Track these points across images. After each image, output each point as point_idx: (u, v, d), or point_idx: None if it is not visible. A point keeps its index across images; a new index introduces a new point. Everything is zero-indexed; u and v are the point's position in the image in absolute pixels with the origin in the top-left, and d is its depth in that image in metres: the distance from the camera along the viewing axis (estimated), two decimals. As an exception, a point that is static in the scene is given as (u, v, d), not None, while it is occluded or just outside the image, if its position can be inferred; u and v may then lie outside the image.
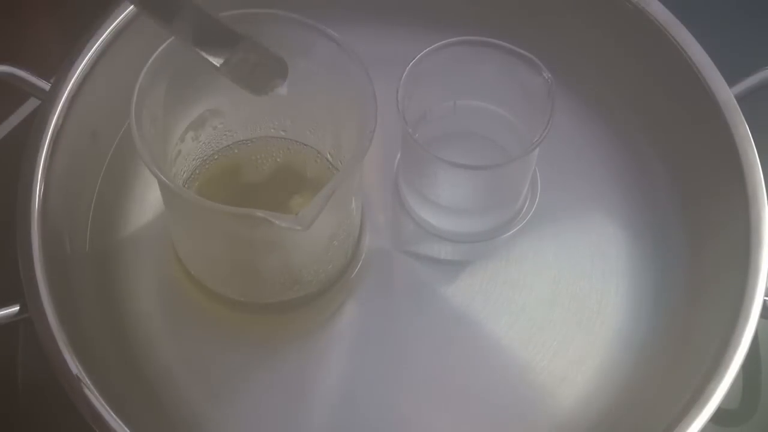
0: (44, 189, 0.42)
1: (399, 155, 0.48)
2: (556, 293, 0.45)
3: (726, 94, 0.45)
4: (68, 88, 0.44)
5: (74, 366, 0.38)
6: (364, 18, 0.51)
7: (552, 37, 0.49)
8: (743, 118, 0.44)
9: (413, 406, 0.43)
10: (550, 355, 0.44)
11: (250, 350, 0.44)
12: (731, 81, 0.45)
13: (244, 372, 0.43)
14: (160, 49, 0.38)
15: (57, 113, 0.43)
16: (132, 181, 0.48)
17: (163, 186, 0.38)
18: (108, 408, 0.37)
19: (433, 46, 0.43)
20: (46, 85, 0.44)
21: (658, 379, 0.43)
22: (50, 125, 0.43)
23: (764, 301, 0.40)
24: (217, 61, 0.37)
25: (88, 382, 0.38)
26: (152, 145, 0.37)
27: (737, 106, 0.44)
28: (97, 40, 0.45)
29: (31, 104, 0.52)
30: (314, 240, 0.41)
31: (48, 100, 0.44)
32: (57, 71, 0.44)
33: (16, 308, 0.40)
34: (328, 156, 0.45)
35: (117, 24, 0.45)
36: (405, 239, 0.47)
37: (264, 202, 0.41)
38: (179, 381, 0.43)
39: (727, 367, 0.39)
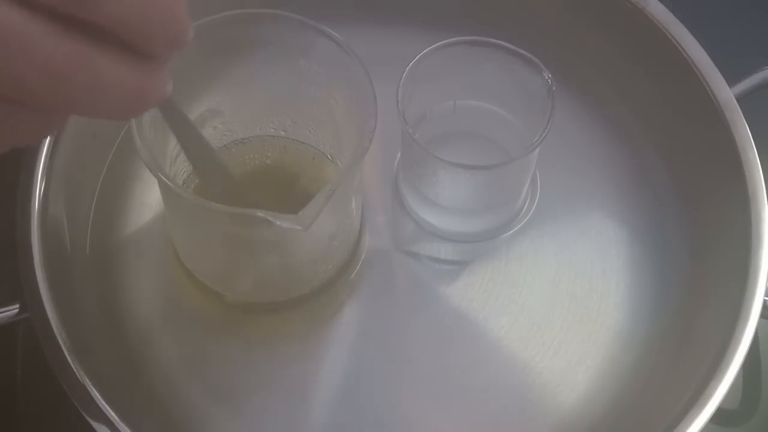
0: (44, 189, 0.42)
1: (399, 155, 0.48)
2: (556, 293, 0.45)
3: (726, 94, 0.45)
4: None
5: (74, 366, 0.38)
6: (364, 18, 0.51)
7: (552, 37, 0.49)
8: (743, 118, 0.44)
9: (413, 406, 0.43)
10: (550, 355, 0.44)
11: (250, 350, 0.44)
12: (731, 81, 0.45)
13: (244, 372, 0.43)
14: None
15: (57, 113, 0.43)
16: (132, 181, 0.48)
17: (163, 186, 0.38)
18: (108, 408, 0.37)
19: (433, 46, 0.43)
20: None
21: (658, 379, 0.43)
22: (50, 125, 0.43)
23: (764, 301, 0.40)
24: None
25: (88, 382, 0.38)
26: (152, 145, 0.37)
27: (737, 106, 0.44)
28: (97, 40, 0.45)
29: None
30: (314, 240, 0.41)
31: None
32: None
33: (16, 308, 0.40)
34: (328, 156, 0.45)
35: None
36: (405, 239, 0.47)
37: (264, 201, 0.41)
38: (179, 381, 0.43)
39: (727, 367, 0.39)
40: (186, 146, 0.35)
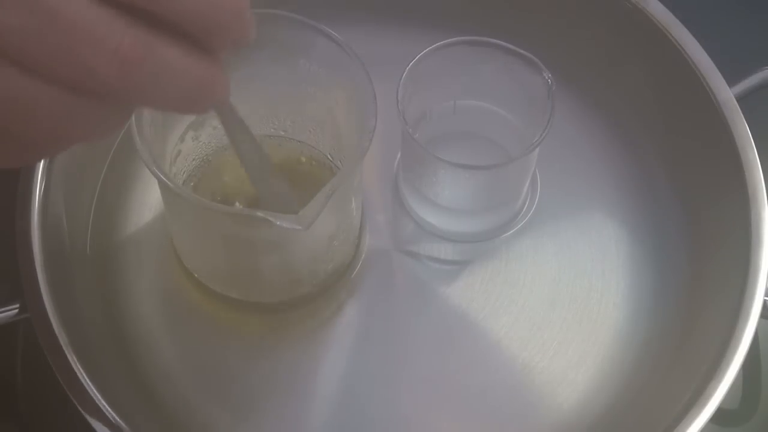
0: (44, 189, 0.42)
1: (399, 155, 0.48)
2: (556, 293, 0.45)
3: (726, 94, 0.45)
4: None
5: (74, 366, 0.38)
6: (364, 18, 0.51)
7: (552, 37, 0.49)
8: (743, 118, 0.44)
9: (413, 406, 0.43)
10: (550, 355, 0.44)
11: (250, 350, 0.44)
12: (731, 81, 0.45)
13: (244, 372, 0.43)
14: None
15: (57, 113, 0.43)
16: (132, 181, 0.48)
17: (163, 186, 0.38)
18: (108, 408, 0.37)
19: (433, 46, 0.43)
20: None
21: (658, 379, 0.43)
22: (50, 125, 0.43)
23: (764, 301, 0.40)
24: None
25: (89, 382, 0.38)
26: (152, 145, 0.37)
27: (737, 106, 0.44)
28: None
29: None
30: (314, 240, 0.41)
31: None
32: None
33: (16, 308, 0.40)
34: (328, 156, 0.45)
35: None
36: (405, 239, 0.47)
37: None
38: (179, 381, 0.43)
39: (727, 367, 0.39)
40: (241, 153, 0.35)
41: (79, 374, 0.38)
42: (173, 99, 0.24)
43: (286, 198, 0.37)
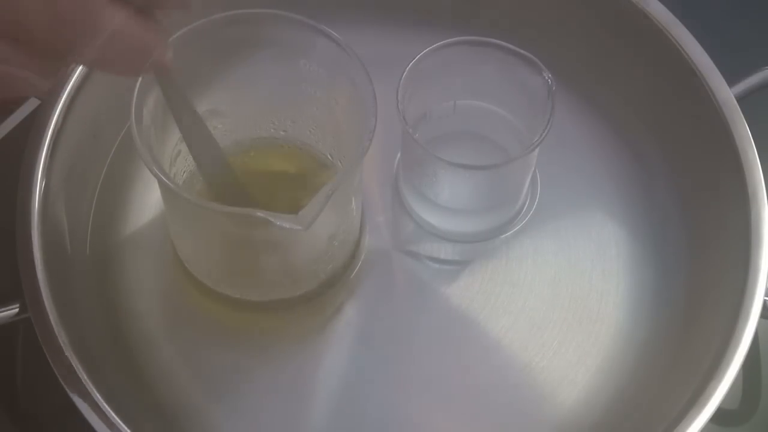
0: (44, 189, 0.42)
1: (399, 155, 0.48)
2: (556, 293, 0.45)
3: (726, 94, 0.45)
4: (68, 88, 0.44)
5: (74, 366, 0.38)
6: (364, 18, 0.51)
7: (552, 37, 0.49)
8: (743, 118, 0.44)
9: (413, 406, 0.43)
10: (550, 355, 0.44)
11: (250, 350, 0.44)
12: (731, 81, 0.45)
13: (244, 372, 0.43)
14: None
15: (57, 113, 0.43)
16: (132, 181, 0.48)
17: (163, 186, 0.38)
18: (108, 408, 0.37)
19: (433, 46, 0.43)
20: (46, 85, 0.44)
21: (658, 379, 0.43)
22: (50, 125, 0.43)
23: (764, 301, 0.40)
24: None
25: (88, 382, 0.38)
26: (152, 145, 0.37)
27: (737, 106, 0.44)
28: (97, 40, 0.45)
29: (31, 104, 0.52)
30: (314, 240, 0.41)
31: (48, 100, 0.44)
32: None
33: (16, 308, 0.40)
34: (328, 156, 0.45)
35: (117, 24, 0.45)
36: (405, 239, 0.47)
37: (264, 201, 0.41)
38: (179, 381, 0.43)
39: (727, 367, 0.39)
40: (183, 127, 0.36)
41: (79, 374, 0.38)
42: (111, 55, 0.25)
43: (225, 172, 0.38)
